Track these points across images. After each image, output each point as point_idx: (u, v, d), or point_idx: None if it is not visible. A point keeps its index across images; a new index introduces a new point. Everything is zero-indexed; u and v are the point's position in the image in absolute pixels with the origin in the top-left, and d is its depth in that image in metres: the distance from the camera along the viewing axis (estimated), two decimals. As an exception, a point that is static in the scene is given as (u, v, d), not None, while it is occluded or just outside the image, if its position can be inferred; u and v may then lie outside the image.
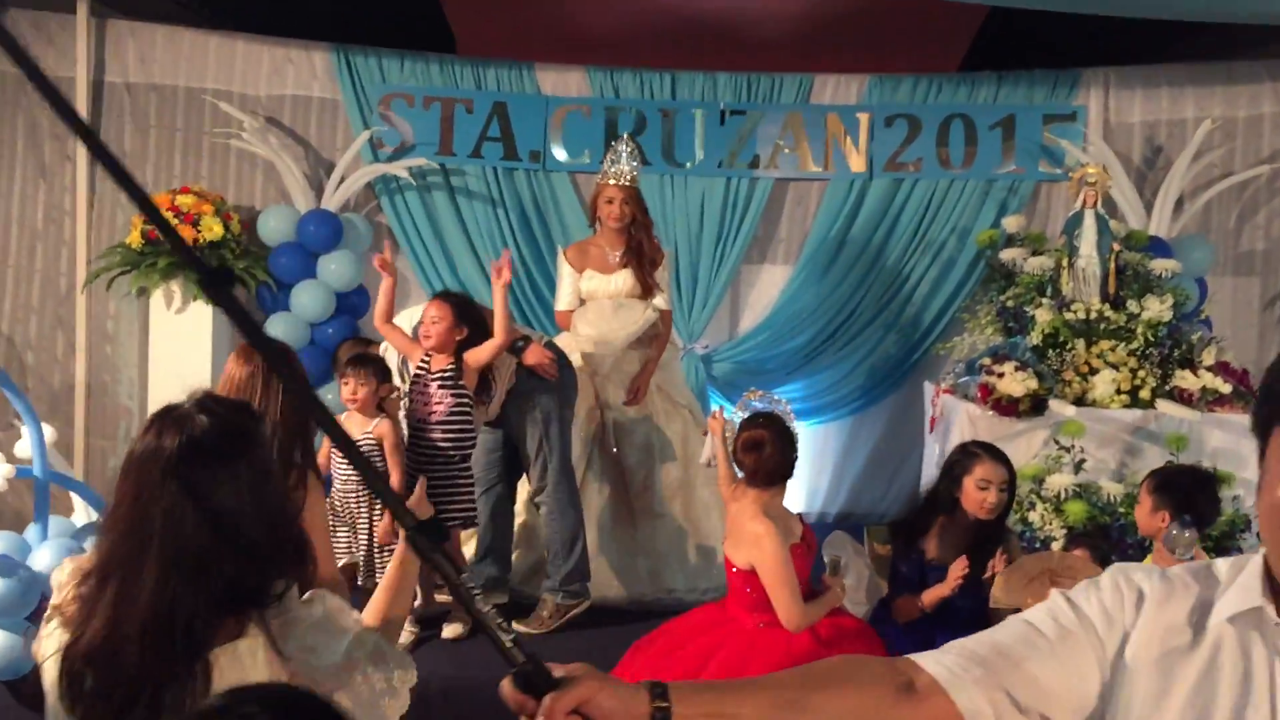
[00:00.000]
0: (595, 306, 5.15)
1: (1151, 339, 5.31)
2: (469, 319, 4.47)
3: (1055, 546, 5.01)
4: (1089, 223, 5.59)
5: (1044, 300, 5.49)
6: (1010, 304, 5.65)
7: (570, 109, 6.46)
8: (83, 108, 6.22)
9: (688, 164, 6.47)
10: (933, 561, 3.90)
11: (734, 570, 3.81)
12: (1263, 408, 1.25)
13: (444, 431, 4.38)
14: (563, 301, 5.23)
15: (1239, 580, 1.27)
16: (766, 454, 3.81)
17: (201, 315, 5.98)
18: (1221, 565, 1.32)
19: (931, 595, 3.77)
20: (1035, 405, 5.18)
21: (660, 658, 3.74)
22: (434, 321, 4.39)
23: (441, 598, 4.53)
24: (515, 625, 4.54)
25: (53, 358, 6.41)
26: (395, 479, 4.24)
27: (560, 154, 6.45)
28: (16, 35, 6.16)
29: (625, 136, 5.32)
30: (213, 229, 5.88)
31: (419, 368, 4.43)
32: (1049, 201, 6.57)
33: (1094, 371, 5.30)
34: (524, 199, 6.49)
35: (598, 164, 6.40)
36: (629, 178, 5.08)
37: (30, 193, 6.38)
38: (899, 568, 3.97)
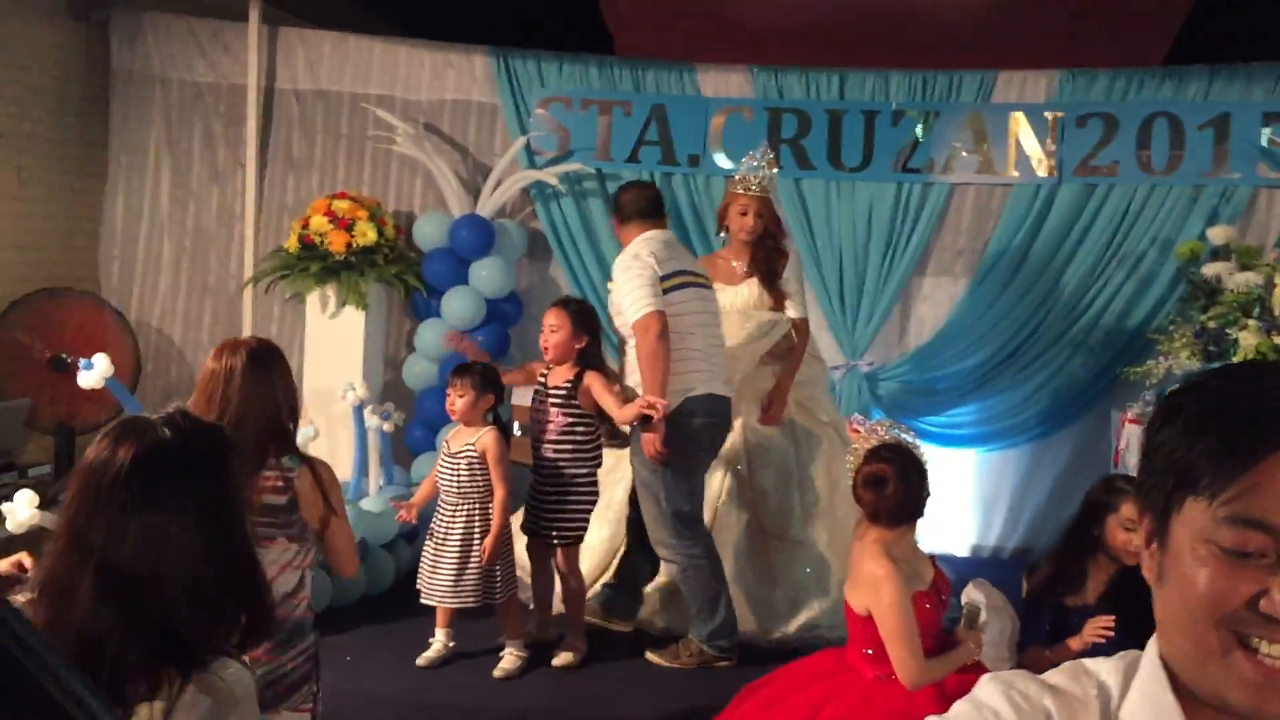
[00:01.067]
0: (728, 321, 4.76)
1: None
2: (589, 327, 4.25)
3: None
4: (1307, 234, 4.89)
5: (1250, 321, 4.82)
6: (1211, 325, 5.00)
7: (731, 111, 6.16)
8: (253, 114, 6.36)
9: (855, 168, 6.06)
10: (1074, 609, 3.43)
11: (852, 614, 3.44)
12: (1160, 479, 1.00)
13: (555, 451, 4.18)
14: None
15: (1137, 687, 1.04)
16: (889, 492, 3.43)
17: (354, 319, 5.99)
18: (1097, 668, 1.08)
19: (1063, 650, 3.31)
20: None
21: (765, 706, 3.41)
22: (553, 330, 4.19)
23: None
24: (650, 655, 4.26)
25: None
26: (499, 495, 4.06)
27: (720, 158, 6.16)
28: (191, 43, 6.36)
29: (764, 145, 5.08)
30: (366, 234, 5.87)
31: (538, 384, 4.25)
32: (1268, 211, 5.82)
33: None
34: (681, 205, 6.22)
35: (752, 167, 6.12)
36: (763, 187, 4.82)
37: (205, 197, 6.56)
38: (1032, 615, 3.51)
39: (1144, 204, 5.86)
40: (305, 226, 5.93)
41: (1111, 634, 3.21)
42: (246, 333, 6.42)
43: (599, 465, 4.32)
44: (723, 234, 4.91)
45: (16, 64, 6.02)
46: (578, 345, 4.21)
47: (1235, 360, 4.74)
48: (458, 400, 4.12)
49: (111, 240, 6.54)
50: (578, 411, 4.19)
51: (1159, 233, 5.82)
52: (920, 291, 6.22)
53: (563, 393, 4.19)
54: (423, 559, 4.17)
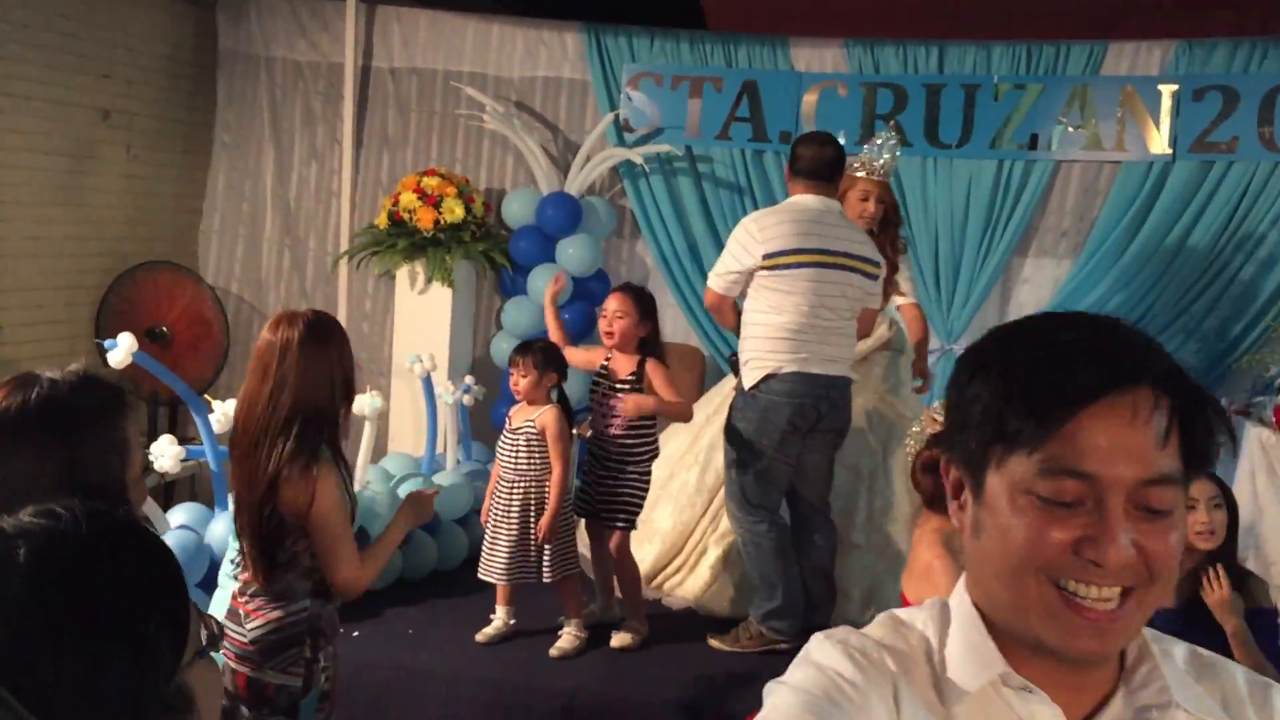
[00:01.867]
0: None
1: None
2: (651, 314, 4.17)
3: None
4: None
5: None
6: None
7: (825, 86, 5.98)
8: (350, 93, 6.44)
9: (954, 145, 5.83)
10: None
11: (908, 605, 3.31)
12: (975, 432, 1.00)
13: (620, 441, 4.11)
14: None
15: (955, 635, 1.05)
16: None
17: (441, 295, 6.02)
18: (911, 618, 1.08)
19: None
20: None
21: None
22: (619, 316, 4.11)
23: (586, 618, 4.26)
24: (711, 640, 4.17)
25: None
26: (557, 472, 4.02)
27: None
28: (293, 22, 6.47)
29: (891, 124, 4.84)
30: (454, 211, 5.89)
31: (599, 374, 4.19)
32: None
33: None
34: (773, 183, 6.08)
35: (854, 146, 5.89)
36: (885, 171, 4.61)
37: (304, 174, 6.67)
38: None
39: (1265, 183, 5.50)
40: (396, 203, 5.98)
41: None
42: (342, 309, 6.53)
43: (656, 455, 4.23)
44: None
45: (127, 45, 6.20)
46: (641, 333, 4.13)
47: None
48: (520, 380, 4.08)
49: (213, 217, 6.71)
50: (645, 406, 4.13)
51: (1282, 214, 5.46)
52: (1021, 273, 5.96)
53: (627, 385, 4.12)
54: (485, 536, 4.16)
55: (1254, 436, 4.45)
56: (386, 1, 6.54)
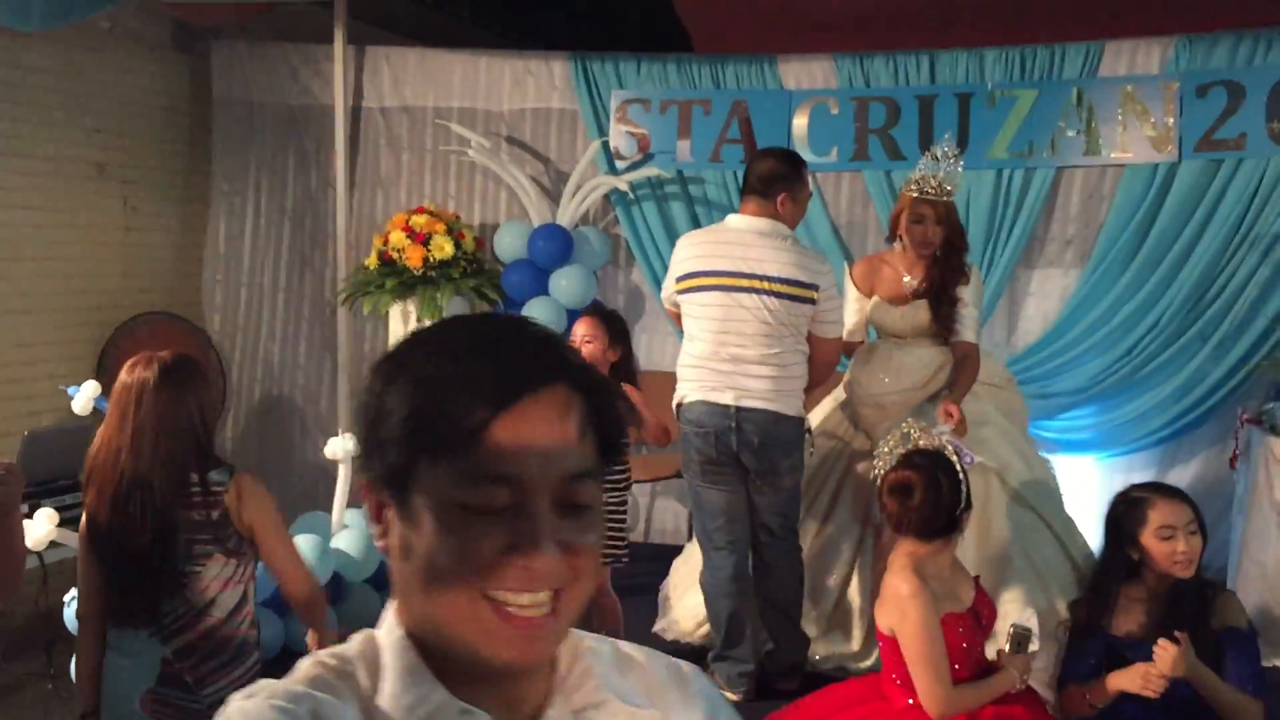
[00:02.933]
0: (879, 354, 4.23)
1: None
2: (622, 337, 4.04)
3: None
4: None
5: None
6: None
7: (816, 102, 5.84)
8: (341, 134, 6.41)
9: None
10: (1124, 641, 3.02)
11: (881, 636, 3.16)
12: (395, 447, 0.94)
13: None
14: (848, 328, 4.21)
15: (389, 668, 0.98)
16: (914, 502, 3.14)
17: (434, 335, 5.93)
18: (342, 656, 1.00)
19: (1099, 690, 2.93)
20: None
21: None
22: (586, 341, 3.98)
23: None
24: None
25: (319, 379, 6.64)
26: None
27: (805, 152, 5.83)
28: (285, 67, 6.46)
29: (946, 138, 4.28)
30: (443, 248, 5.82)
31: None
32: None
33: None
34: (767, 204, 5.93)
35: (845, 162, 5.80)
36: (945, 190, 4.05)
37: (299, 218, 6.65)
38: (1074, 650, 3.11)
39: (1278, 179, 5.24)
40: (386, 242, 5.93)
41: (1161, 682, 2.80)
42: (342, 352, 6.48)
43: (629, 486, 4.10)
44: (897, 244, 4.20)
45: (120, 99, 6.23)
46: (612, 358, 4.00)
47: None
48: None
49: (215, 265, 6.70)
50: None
51: (1297, 211, 5.21)
52: (1028, 286, 5.75)
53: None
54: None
55: (1265, 446, 4.20)
56: (375, 42, 6.52)
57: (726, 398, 3.77)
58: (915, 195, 4.07)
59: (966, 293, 4.11)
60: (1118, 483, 5.59)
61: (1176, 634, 2.82)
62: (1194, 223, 5.36)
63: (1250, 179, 5.27)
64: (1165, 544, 2.94)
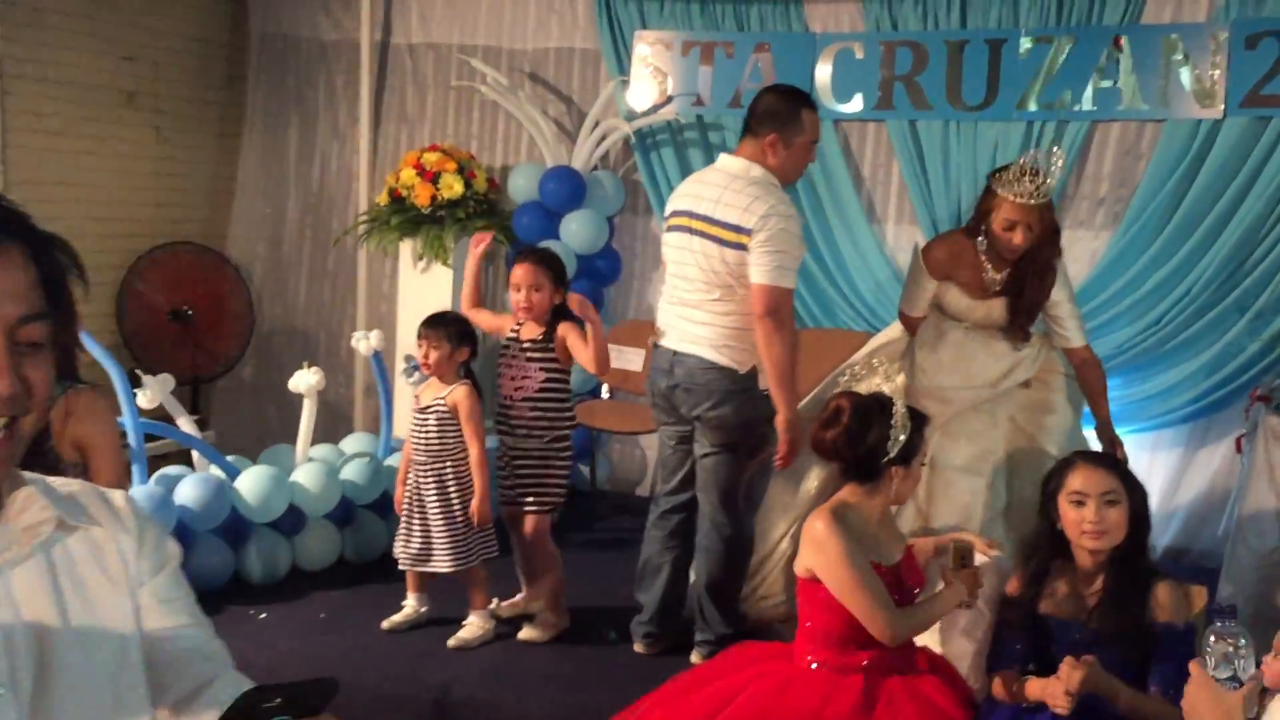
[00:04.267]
0: (949, 342, 3.84)
1: None
2: (565, 281, 3.91)
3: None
4: None
5: None
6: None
7: (841, 47, 5.56)
8: (366, 70, 6.37)
9: (978, 106, 5.33)
10: (1054, 622, 2.82)
11: (799, 584, 3.06)
12: None
13: (533, 409, 3.86)
14: (910, 304, 3.92)
15: None
16: (836, 430, 3.03)
17: (442, 274, 5.88)
18: None
19: (1023, 693, 2.76)
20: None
21: (676, 696, 3.02)
22: (534, 289, 3.86)
23: (507, 612, 4.03)
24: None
25: (341, 314, 6.66)
26: (474, 452, 3.80)
27: (828, 100, 5.58)
28: (320, 3, 6.43)
29: (1056, 151, 3.78)
30: (452, 187, 5.74)
31: (508, 338, 3.95)
32: None
33: None
34: (788, 153, 5.69)
35: (870, 110, 5.55)
36: (1042, 193, 3.57)
37: (327, 154, 6.65)
38: (1001, 633, 2.91)
39: (1331, 140, 4.82)
40: (398, 180, 5.88)
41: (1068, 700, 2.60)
42: (361, 290, 6.49)
43: (575, 425, 3.99)
44: (981, 239, 3.72)
45: (154, 29, 6.29)
46: (556, 300, 3.89)
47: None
48: (432, 353, 3.87)
49: (245, 197, 6.75)
50: (556, 366, 3.88)
51: (1351, 173, 4.78)
52: (1056, 246, 5.41)
53: (539, 347, 3.87)
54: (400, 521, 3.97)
55: (1264, 426, 3.87)
56: (404, -24, 6.45)
57: (670, 341, 3.63)
58: (1009, 197, 3.56)
59: (1059, 292, 3.73)
60: (1143, 461, 5.30)
61: (1085, 658, 2.62)
62: (1236, 185, 4.96)
63: (1300, 139, 4.85)
64: (1075, 510, 2.76)
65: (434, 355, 3.85)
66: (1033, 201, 3.53)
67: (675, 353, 3.59)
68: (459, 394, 3.84)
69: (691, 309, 3.57)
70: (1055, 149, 3.70)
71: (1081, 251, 5.34)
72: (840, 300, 5.63)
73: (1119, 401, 5.22)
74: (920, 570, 3.13)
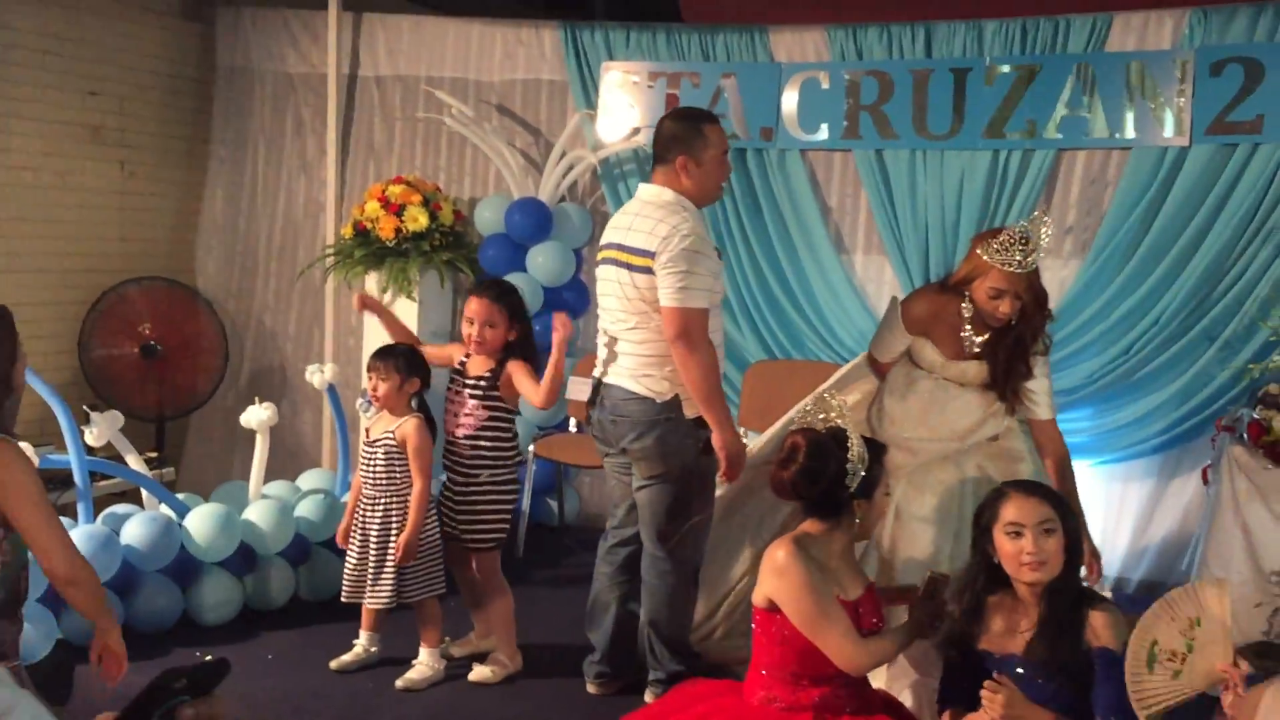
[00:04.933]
0: (919, 392, 3.70)
1: None
2: (523, 316, 3.85)
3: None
4: None
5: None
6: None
7: (807, 76, 5.54)
8: (333, 102, 6.34)
9: (944, 135, 5.30)
10: (997, 658, 2.76)
11: (755, 613, 3.01)
12: None
13: (474, 447, 3.79)
14: (880, 351, 3.83)
15: None
16: (793, 467, 2.96)
17: (408, 307, 5.81)
18: None
19: None
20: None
21: None
22: (490, 326, 3.80)
23: (459, 651, 3.98)
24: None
25: (308, 348, 6.59)
26: (416, 487, 3.73)
27: (795, 130, 5.55)
28: (285, 34, 6.41)
29: (1040, 216, 3.54)
30: (417, 219, 5.70)
31: (453, 372, 3.89)
32: None
33: None
34: (755, 183, 5.66)
35: (836, 139, 5.51)
36: (1027, 265, 3.43)
37: (294, 187, 6.60)
38: (948, 670, 2.85)
39: (1297, 166, 4.79)
40: (363, 213, 5.83)
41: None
42: (328, 323, 6.42)
43: (520, 462, 3.92)
44: (965, 303, 3.56)
45: (120, 63, 6.25)
46: (510, 337, 3.83)
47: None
48: (380, 385, 3.81)
49: (211, 231, 6.70)
50: (499, 405, 3.81)
51: (1318, 200, 4.74)
52: (1025, 276, 5.36)
53: (483, 384, 3.81)
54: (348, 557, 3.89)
55: (1228, 455, 3.82)
56: (370, 9, 6.42)
57: (600, 372, 3.59)
58: (996, 265, 3.41)
59: (1038, 366, 3.61)
60: (1114, 491, 5.24)
61: (998, 677, 2.57)
62: (1203, 213, 4.92)
63: (1266, 165, 4.81)
64: (1012, 541, 2.71)
65: (383, 387, 3.79)
66: (1016, 268, 3.40)
67: (603, 384, 3.56)
68: (408, 428, 3.78)
69: (613, 339, 3.54)
70: (1045, 217, 3.53)
71: (1050, 280, 5.20)
72: (809, 330, 5.57)
73: (1090, 433, 5.19)
74: (880, 610, 3.06)
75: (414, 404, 3.86)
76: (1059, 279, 5.26)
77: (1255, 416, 3.85)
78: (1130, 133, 5.03)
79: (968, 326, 3.57)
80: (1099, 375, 5.11)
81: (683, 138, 3.46)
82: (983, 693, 2.58)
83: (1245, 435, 3.88)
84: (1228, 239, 4.87)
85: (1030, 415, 3.67)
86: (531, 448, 5.43)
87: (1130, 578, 5.22)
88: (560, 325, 3.68)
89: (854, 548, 3.15)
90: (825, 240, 5.55)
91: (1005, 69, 5.18)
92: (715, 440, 3.39)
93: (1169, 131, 4.96)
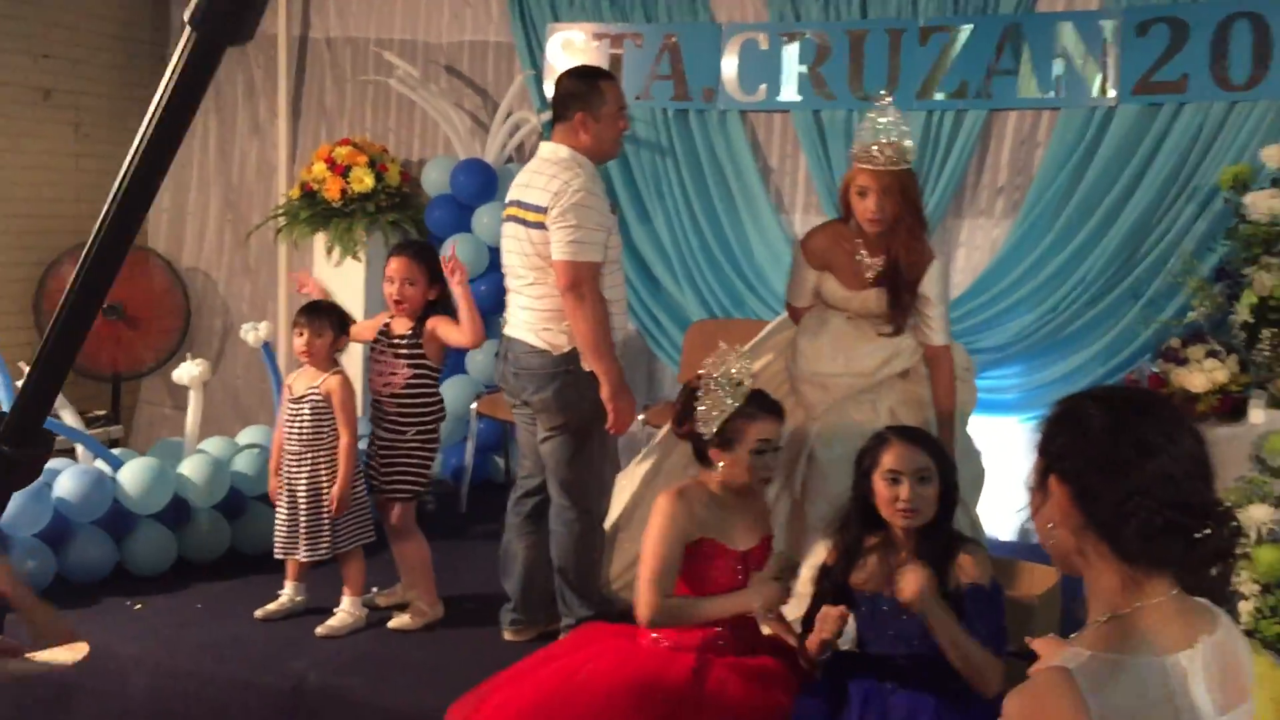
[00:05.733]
0: (830, 329, 3.76)
1: None
2: (440, 276, 3.93)
3: (1244, 607, 3.52)
4: (1369, 149, 3.86)
5: (1272, 260, 3.86)
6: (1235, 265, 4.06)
7: (746, 37, 5.59)
8: (283, 64, 6.39)
9: (880, 96, 5.34)
10: (863, 594, 2.86)
11: None
12: None
13: (399, 405, 3.89)
14: (794, 295, 3.86)
15: None
16: (682, 405, 3.09)
17: (355, 268, 5.90)
18: None
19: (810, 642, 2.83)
20: (1230, 407, 3.66)
21: (524, 672, 3.08)
22: (410, 283, 3.89)
23: (385, 601, 4.08)
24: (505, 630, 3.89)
25: (263, 309, 6.66)
26: (344, 440, 3.83)
27: (735, 91, 5.61)
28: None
29: (882, 94, 3.72)
30: (363, 180, 5.77)
31: (379, 334, 3.98)
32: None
33: (1340, 364, 3.65)
34: (696, 143, 5.72)
35: (774, 99, 5.56)
36: (892, 158, 3.46)
37: (246, 149, 6.66)
38: (814, 601, 2.95)
39: (1220, 125, 4.84)
40: (309, 174, 5.90)
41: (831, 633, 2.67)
42: (281, 285, 6.50)
43: (443, 419, 4.01)
44: (851, 221, 3.64)
45: (72, 25, 6.30)
46: (430, 296, 3.93)
47: (1240, 306, 3.81)
48: (315, 340, 3.88)
49: (163, 193, 6.76)
50: (424, 363, 3.90)
51: (1241, 159, 4.78)
52: (958, 236, 5.45)
53: (406, 342, 3.90)
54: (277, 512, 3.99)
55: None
56: (322, -29, 6.46)
57: (508, 328, 3.68)
58: (862, 166, 3.49)
59: (929, 286, 3.61)
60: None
61: (921, 564, 2.67)
62: (1129, 172, 4.99)
63: (1190, 124, 4.87)
64: (889, 487, 2.81)
65: (317, 342, 3.87)
66: (882, 167, 3.45)
67: (508, 338, 3.66)
68: (333, 383, 3.87)
69: (516, 294, 3.64)
70: (887, 99, 3.61)
71: (983, 240, 5.38)
72: (748, 290, 5.64)
73: (1019, 389, 5.28)
74: (760, 556, 3.16)
75: (338, 361, 3.95)
76: (991, 238, 5.35)
77: (1154, 370, 3.94)
78: (1060, 93, 5.09)
79: (862, 251, 3.61)
80: (1028, 332, 5.20)
81: (581, 94, 3.55)
82: (903, 571, 2.66)
83: (1146, 387, 3.97)
84: (1152, 199, 4.94)
85: (924, 340, 3.70)
86: (474, 406, 5.52)
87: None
88: (454, 265, 3.75)
89: (759, 499, 3.24)
90: (765, 200, 5.62)
91: (938, 29, 5.23)
92: (603, 392, 3.49)
93: (1096, 91, 5.02)
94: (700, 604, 2.98)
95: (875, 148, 3.46)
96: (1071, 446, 1.48)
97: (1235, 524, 1.45)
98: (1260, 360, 3.74)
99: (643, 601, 2.91)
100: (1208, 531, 1.42)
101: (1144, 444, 1.44)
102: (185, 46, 1.08)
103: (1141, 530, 1.43)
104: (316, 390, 3.87)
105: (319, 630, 3.81)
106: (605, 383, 3.48)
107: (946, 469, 2.84)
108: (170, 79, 1.10)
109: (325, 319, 3.91)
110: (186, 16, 1.08)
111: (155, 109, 1.10)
